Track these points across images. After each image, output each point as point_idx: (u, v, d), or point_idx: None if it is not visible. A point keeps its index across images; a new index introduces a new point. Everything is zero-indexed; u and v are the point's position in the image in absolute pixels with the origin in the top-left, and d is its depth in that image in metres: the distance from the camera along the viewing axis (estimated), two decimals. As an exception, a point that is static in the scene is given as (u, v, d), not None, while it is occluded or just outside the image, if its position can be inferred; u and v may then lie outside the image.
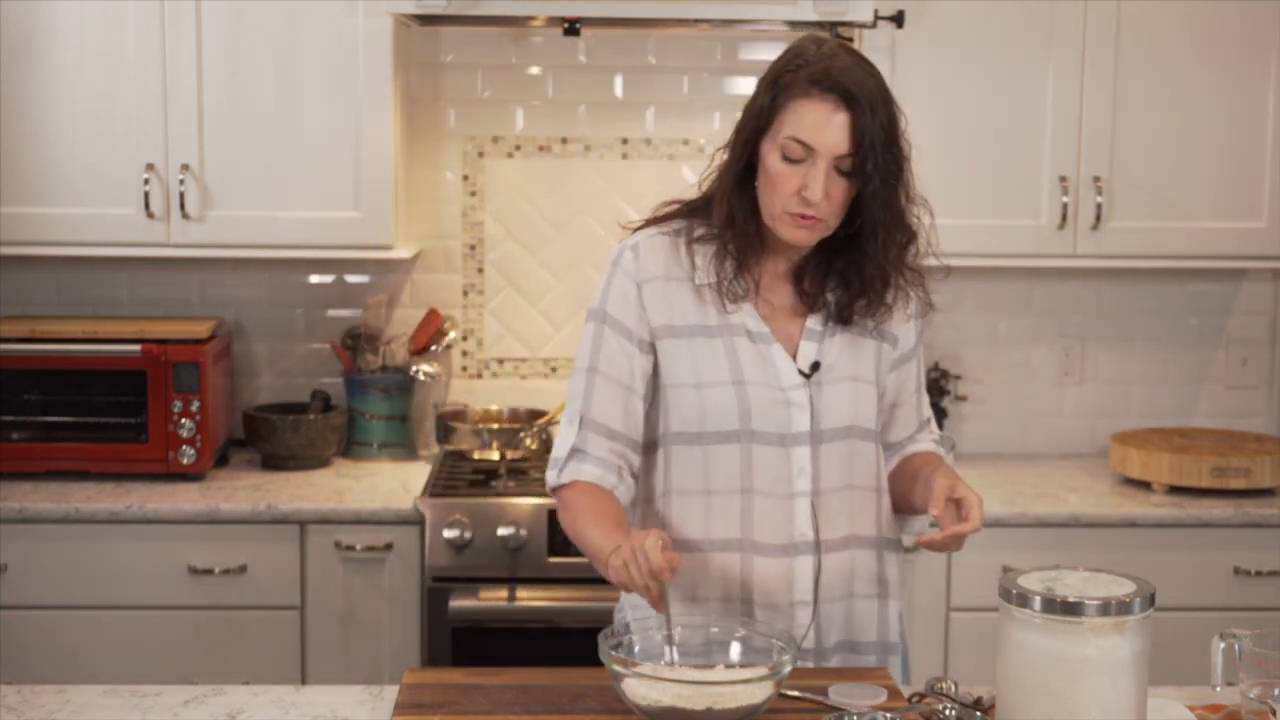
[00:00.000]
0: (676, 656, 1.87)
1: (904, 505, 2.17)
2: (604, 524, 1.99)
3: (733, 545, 2.05)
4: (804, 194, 1.96)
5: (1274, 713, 1.75)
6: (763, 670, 1.76)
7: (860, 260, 2.05)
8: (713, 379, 2.05)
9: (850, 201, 2.00)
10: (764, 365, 2.06)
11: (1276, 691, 1.77)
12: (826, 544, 2.06)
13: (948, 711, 1.82)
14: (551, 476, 2.09)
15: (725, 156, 2.08)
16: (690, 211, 2.13)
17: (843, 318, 2.08)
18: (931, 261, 2.13)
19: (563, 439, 2.09)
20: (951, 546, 1.95)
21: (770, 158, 1.99)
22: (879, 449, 2.14)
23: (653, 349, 2.08)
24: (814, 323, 2.09)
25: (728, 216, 2.05)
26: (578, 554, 3.08)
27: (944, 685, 1.89)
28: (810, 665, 2.07)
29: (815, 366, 2.07)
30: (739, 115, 2.06)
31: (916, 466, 2.15)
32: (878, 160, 1.96)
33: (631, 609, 2.14)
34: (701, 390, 2.05)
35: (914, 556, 3.19)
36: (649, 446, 2.12)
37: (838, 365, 2.08)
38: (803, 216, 1.98)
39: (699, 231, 2.09)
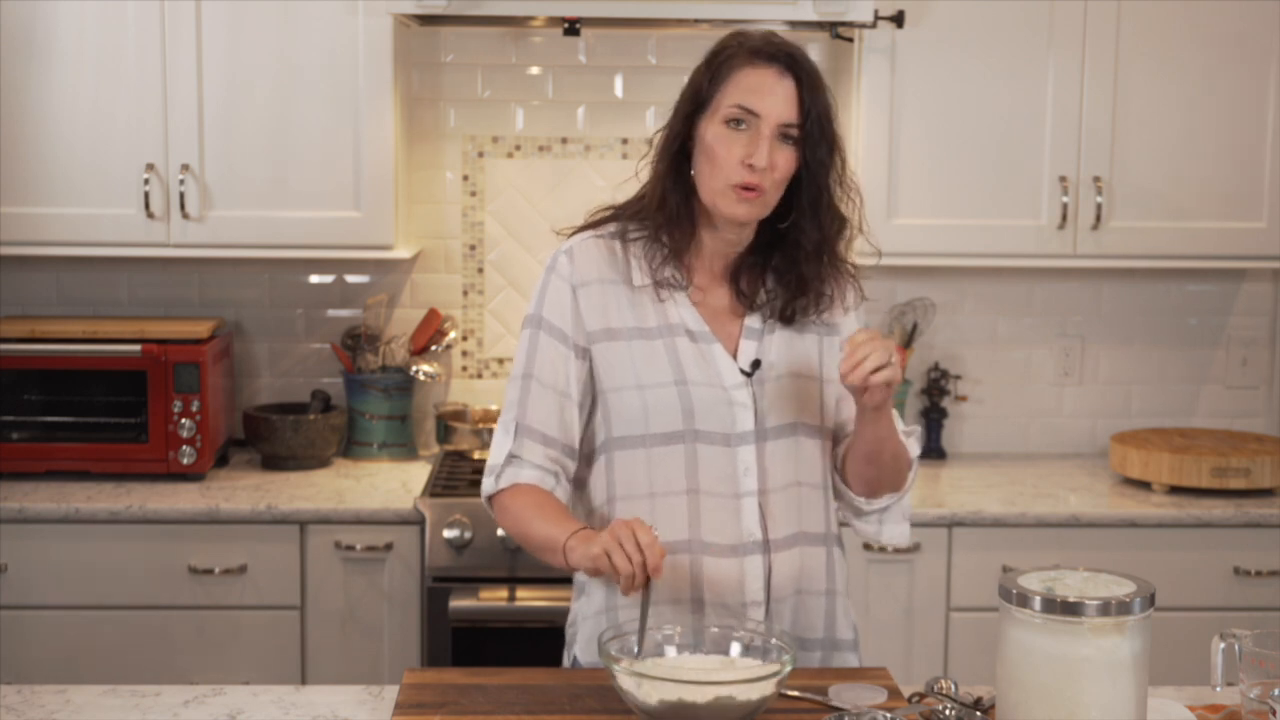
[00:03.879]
0: (667, 653, 1.87)
1: (868, 478, 2.10)
2: (551, 515, 2.00)
3: (681, 547, 2.03)
4: (749, 160, 1.97)
5: (1274, 713, 1.75)
6: (763, 670, 1.76)
7: (795, 255, 2.05)
8: (655, 380, 2.03)
9: (788, 179, 2.01)
10: (705, 364, 2.04)
11: (1276, 691, 1.77)
12: (775, 543, 2.04)
13: (948, 711, 1.82)
14: (488, 484, 2.08)
15: (657, 143, 2.08)
16: (624, 214, 2.12)
17: (784, 317, 2.08)
18: (866, 253, 2.14)
19: (498, 446, 2.08)
20: (860, 383, 1.90)
21: (711, 131, 1.99)
22: (825, 445, 2.11)
23: (588, 355, 2.07)
24: (753, 321, 2.08)
25: (661, 198, 2.04)
26: (578, 554, 3.10)
27: (944, 685, 1.89)
28: None
29: (756, 365, 2.06)
30: (669, 116, 2.07)
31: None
32: (820, 129, 1.99)
33: (581, 623, 2.12)
34: (644, 391, 2.03)
35: (913, 557, 3.19)
36: (589, 456, 2.10)
37: (779, 362, 2.07)
38: (746, 188, 1.98)
39: (632, 233, 2.09)
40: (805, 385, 2.08)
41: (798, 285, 2.07)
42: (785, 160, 1.99)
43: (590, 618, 2.11)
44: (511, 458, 2.06)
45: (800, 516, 2.07)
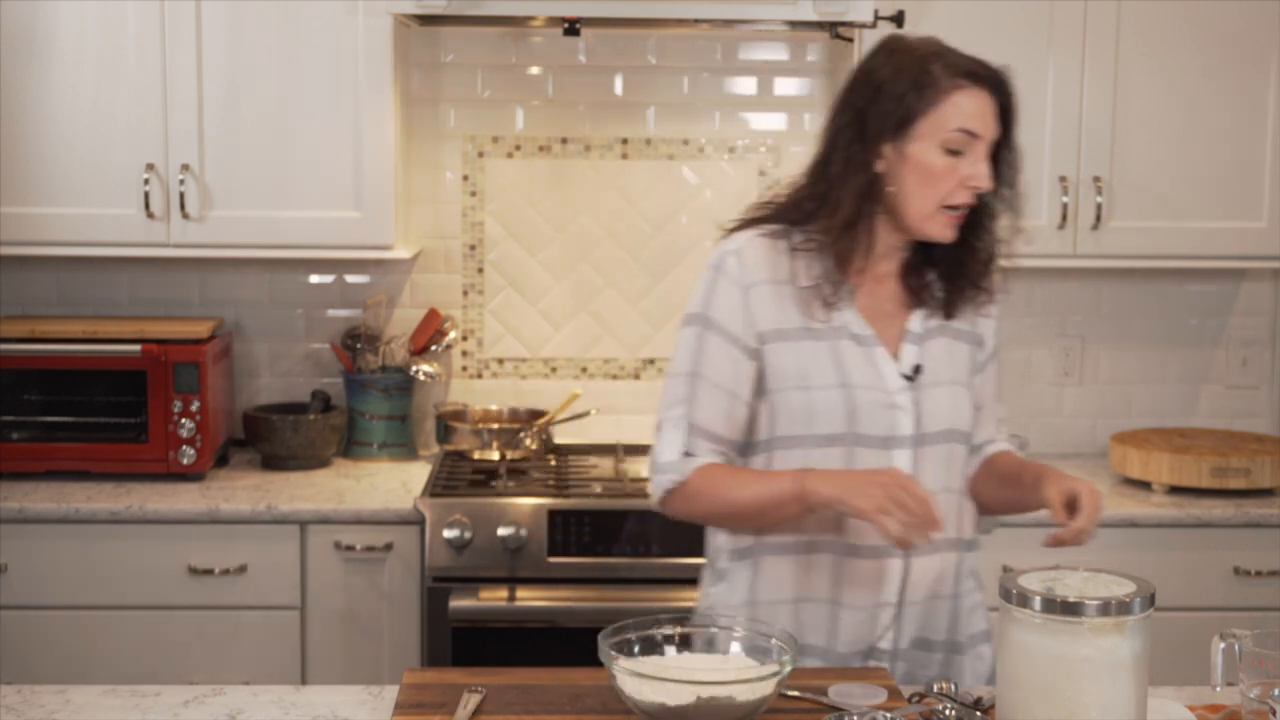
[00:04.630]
0: (668, 652, 1.88)
1: (996, 507, 2.18)
2: (756, 474, 2.03)
3: (826, 546, 2.06)
4: (973, 183, 2.00)
5: (1274, 713, 1.75)
6: (762, 670, 1.76)
7: (962, 254, 2.08)
8: (819, 381, 2.05)
9: None
10: (869, 368, 2.06)
11: (1277, 691, 1.77)
12: (917, 548, 2.04)
13: (948, 711, 1.82)
14: (665, 480, 2.07)
15: (836, 161, 2.05)
16: (789, 217, 2.10)
17: (949, 311, 2.11)
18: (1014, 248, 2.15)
19: (669, 443, 2.07)
20: (1080, 541, 1.97)
21: (928, 155, 2.00)
22: (968, 452, 2.16)
23: (760, 355, 2.07)
24: (915, 325, 2.10)
25: (849, 221, 2.03)
26: (578, 554, 3.10)
27: (944, 685, 1.89)
28: (885, 665, 2.09)
29: (917, 370, 2.08)
30: (842, 123, 2.05)
31: (1013, 471, 2.15)
32: (1009, 144, 2.04)
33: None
34: (808, 393, 2.04)
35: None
36: (747, 449, 2.11)
37: (938, 368, 2.10)
38: (954, 209, 2.01)
39: (799, 237, 2.08)
40: (960, 393, 2.12)
41: (958, 281, 2.10)
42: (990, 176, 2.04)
43: (733, 609, 2.12)
44: (686, 456, 2.06)
45: (944, 522, 2.09)
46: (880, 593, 2.07)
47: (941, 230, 2.04)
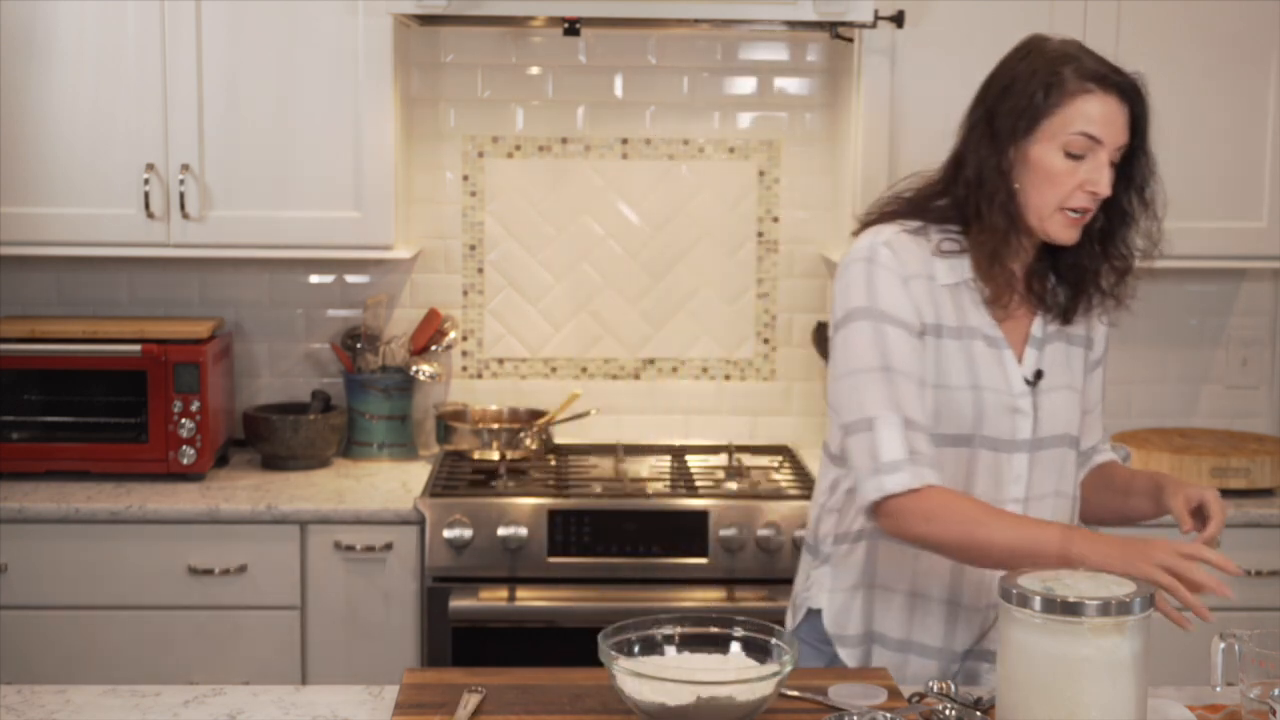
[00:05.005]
0: (668, 652, 1.88)
1: (1103, 515, 2.20)
2: (1008, 515, 1.95)
3: None
4: (1091, 188, 1.99)
5: (1274, 712, 1.75)
6: (762, 670, 1.76)
7: (1094, 259, 2.09)
8: (953, 382, 2.04)
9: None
10: (997, 370, 2.06)
11: (1277, 691, 1.77)
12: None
13: (948, 711, 1.82)
14: (896, 481, 1.95)
15: (970, 163, 2.05)
16: (918, 211, 2.10)
17: (1068, 317, 2.11)
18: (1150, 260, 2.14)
19: (888, 442, 1.96)
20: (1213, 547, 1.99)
21: (1048, 157, 2.00)
22: (1077, 456, 2.17)
23: (924, 344, 2.05)
24: (1037, 329, 2.11)
25: (1005, 229, 2.02)
26: (578, 554, 3.10)
27: (944, 685, 1.89)
28: (989, 666, 2.09)
29: (1039, 375, 2.09)
30: (974, 121, 2.06)
31: (1126, 480, 2.18)
32: (1142, 152, 2.03)
33: (830, 595, 2.15)
34: (940, 391, 2.04)
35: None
36: None
37: (1055, 373, 2.11)
38: (1077, 211, 2.01)
39: (938, 234, 2.07)
40: (1074, 398, 2.13)
41: (1079, 284, 2.10)
42: (1112, 182, 2.03)
43: (843, 592, 2.13)
44: (913, 454, 1.97)
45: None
46: (993, 594, 2.06)
47: (1061, 231, 2.03)
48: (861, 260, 2.05)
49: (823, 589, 2.18)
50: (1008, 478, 2.07)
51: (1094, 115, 1.99)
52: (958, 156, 2.09)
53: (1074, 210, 2.02)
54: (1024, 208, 2.03)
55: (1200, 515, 2.02)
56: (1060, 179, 2.00)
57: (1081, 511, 2.21)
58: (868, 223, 2.13)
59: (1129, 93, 2.01)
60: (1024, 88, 2.02)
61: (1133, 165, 2.05)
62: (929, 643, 2.11)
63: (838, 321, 2.06)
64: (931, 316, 2.05)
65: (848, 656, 2.16)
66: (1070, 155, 2.00)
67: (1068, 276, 2.12)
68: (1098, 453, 2.25)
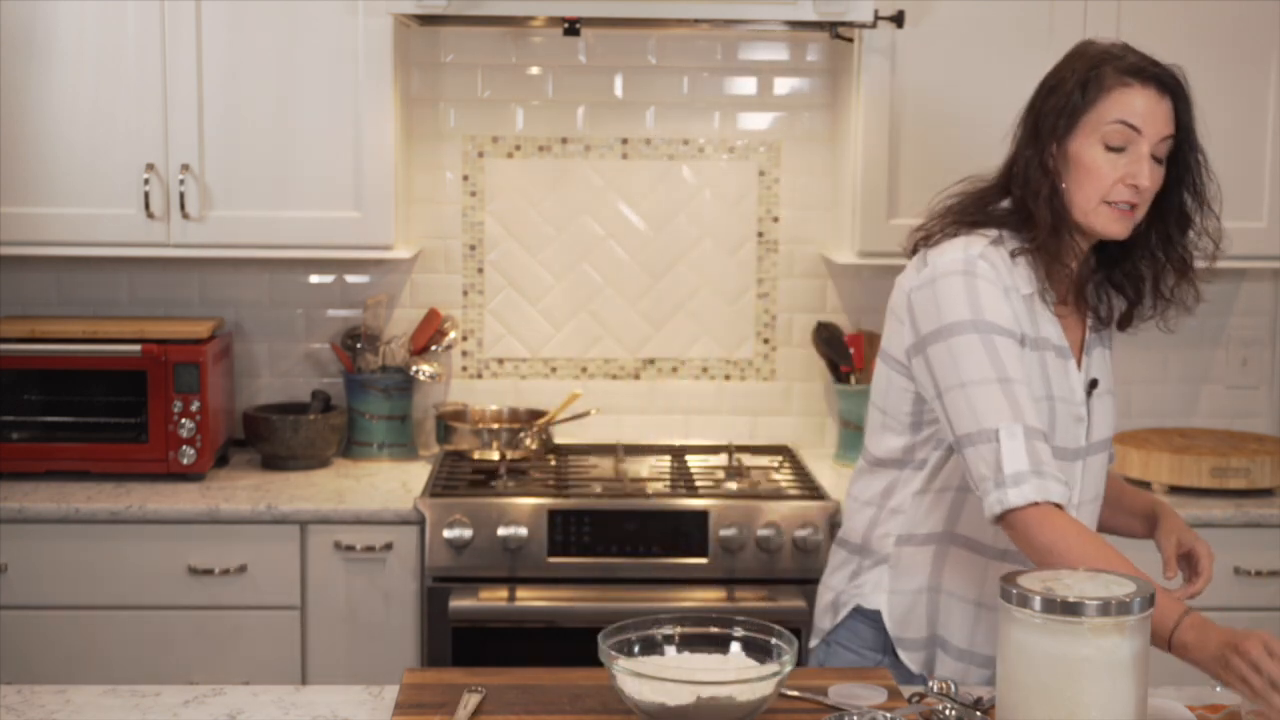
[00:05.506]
0: (668, 652, 1.88)
1: (1106, 528, 2.21)
2: (1127, 563, 1.84)
3: (1012, 556, 2.07)
4: (1131, 180, 1.99)
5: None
6: (762, 670, 1.76)
7: (1138, 262, 2.09)
8: (1037, 393, 2.03)
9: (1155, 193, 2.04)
10: (1065, 380, 2.08)
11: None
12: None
13: (948, 711, 1.81)
14: (1019, 494, 1.88)
15: (1019, 165, 2.06)
16: (979, 216, 2.09)
17: (1123, 325, 2.14)
18: (1203, 262, 2.14)
19: (1011, 453, 1.90)
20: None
21: (1088, 151, 2.00)
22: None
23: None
24: (1089, 336, 2.13)
25: (1054, 225, 2.03)
26: (578, 554, 3.10)
27: (944, 685, 1.89)
28: None
29: (1094, 383, 2.11)
30: (1024, 125, 2.08)
31: (1117, 494, 2.21)
32: (1189, 146, 2.02)
33: (890, 596, 2.16)
34: None
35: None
36: (948, 442, 2.06)
37: (1104, 379, 2.13)
38: (1122, 205, 2.01)
39: (1013, 243, 2.06)
40: (1114, 402, 2.16)
41: (1136, 292, 2.11)
42: (1157, 177, 2.02)
43: (907, 594, 2.13)
44: (1037, 465, 1.90)
45: (1090, 528, 2.12)
46: None
47: (1107, 225, 2.02)
48: (958, 274, 2.01)
49: (880, 589, 2.17)
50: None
51: (1131, 106, 1.99)
52: (1010, 161, 2.10)
53: (1118, 204, 2.01)
54: (1070, 205, 2.03)
55: (1189, 563, 2.02)
56: (1101, 172, 2.00)
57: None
58: (928, 235, 2.10)
59: (1168, 84, 2.01)
60: (1065, 87, 2.03)
61: (1182, 162, 2.04)
62: (989, 654, 2.10)
63: (932, 334, 2.01)
64: (1028, 329, 2.04)
65: (910, 660, 2.15)
66: (1110, 149, 2.00)
67: (1126, 285, 2.12)
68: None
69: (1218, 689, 1.83)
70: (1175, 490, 3.34)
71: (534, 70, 3.65)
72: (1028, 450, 1.90)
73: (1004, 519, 1.91)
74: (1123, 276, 2.12)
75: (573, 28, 3.22)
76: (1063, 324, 2.10)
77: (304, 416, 3.47)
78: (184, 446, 3.28)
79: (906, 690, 1.98)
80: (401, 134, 3.43)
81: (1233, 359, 3.79)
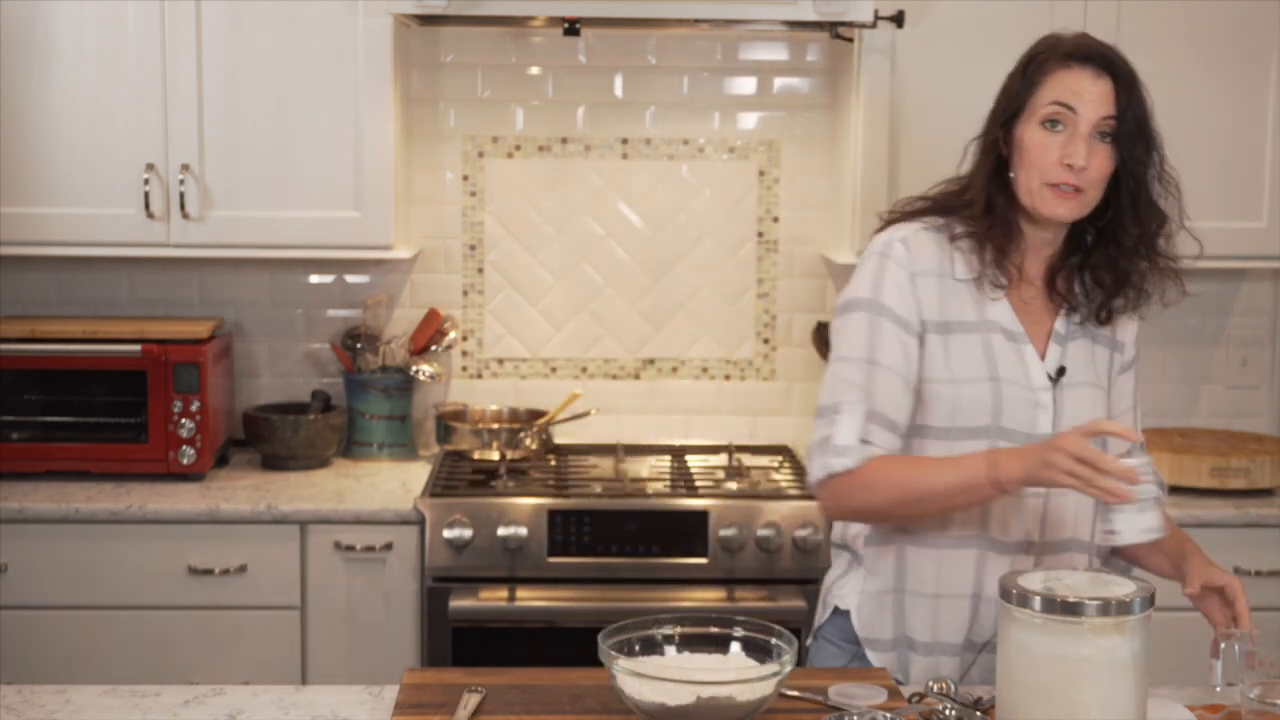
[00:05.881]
0: (668, 652, 1.88)
1: (1135, 562, 2.17)
2: (938, 461, 2.01)
3: (970, 541, 2.08)
4: (1067, 160, 2.00)
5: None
6: (762, 670, 1.76)
7: (1114, 253, 2.09)
8: (969, 375, 2.06)
9: (1107, 178, 2.04)
10: (1017, 364, 2.08)
11: (1253, 695, 1.77)
12: (1047, 544, 2.08)
13: (948, 711, 1.81)
14: (840, 462, 2.01)
15: (975, 149, 2.11)
16: (943, 209, 2.13)
17: (1101, 317, 2.12)
18: (1185, 253, 2.16)
19: (845, 427, 2.02)
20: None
21: (1028, 133, 2.03)
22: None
23: (924, 343, 2.07)
24: (1060, 326, 2.12)
25: (986, 204, 2.06)
26: (578, 554, 3.10)
27: (944, 685, 1.89)
28: None
29: (1061, 371, 2.09)
30: (987, 118, 2.10)
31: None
32: (1137, 127, 2.03)
33: (860, 597, 2.17)
34: (957, 385, 2.06)
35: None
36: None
37: (1079, 370, 2.11)
38: (1063, 187, 2.01)
39: (958, 229, 2.10)
40: (1098, 397, 2.12)
41: (1115, 283, 2.11)
42: (1102, 159, 2.02)
43: (873, 595, 2.15)
44: (864, 443, 2.02)
45: (1075, 524, 2.11)
46: None
47: (1051, 207, 2.03)
48: (876, 254, 2.09)
49: (854, 590, 2.19)
50: None
51: (1067, 86, 2.01)
52: (974, 159, 2.13)
53: (1060, 185, 2.02)
54: (1016, 188, 2.06)
55: (1223, 599, 2.00)
56: (1040, 153, 2.02)
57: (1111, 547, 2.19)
58: (891, 220, 2.16)
59: (1107, 64, 2.02)
60: (1010, 81, 2.08)
61: (1140, 150, 2.05)
62: (953, 640, 2.11)
63: (839, 308, 2.11)
64: (939, 313, 2.07)
65: (879, 660, 2.16)
66: (1049, 128, 2.02)
67: (1105, 277, 2.12)
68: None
69: (1218, 689, 1.83)
70: (1175, 490, 3.34)
71: (534, 70, 3.65)
72: (863, 429, 2.01)
73: (825, 485, 2.04)
74: (1103, 268, 2.12)
75: (573, 28, 3.22)
76: (1028, 310, 2.11)
77: (304, 416, 3.47)
78: (184, 446, 3.28)
79: (906, 690, 1.98)
80: (401, 134, 3.43)
81: (1233, 359, 3.79)
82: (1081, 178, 2.01)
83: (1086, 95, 2.00)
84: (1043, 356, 2.10)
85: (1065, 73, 2.02)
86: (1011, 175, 2.07)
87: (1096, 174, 2.02)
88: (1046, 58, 2.04)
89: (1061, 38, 2.07)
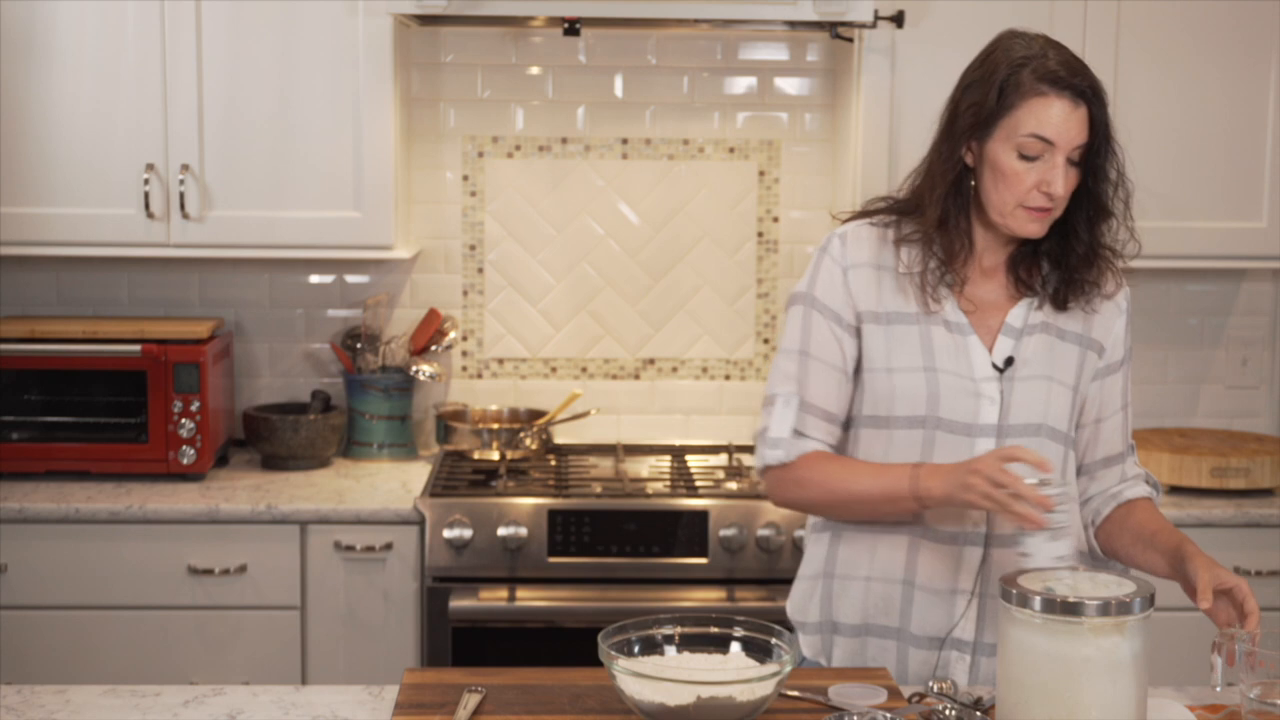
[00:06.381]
0: (668, 652, 1.88)
1: (1132, 563, 2.15)
2: (868, 466, 2.07)
3: (904, 529, 2.10)
4: (1047, 189, 2.02)
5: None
6: (763, 670, 1.76)
7: (1067, 245, 2.11)
8: (904, 364, 2.09)
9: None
10: (957, 354, 2.09)
11: (1253, 694, 1.77)
12: (998, 538, 2.08)
13: (948, 711, 1.82)
14: (774, 455, 2.11)
15: (932, 157, 2.11)
16: (898, 209, 2.16)
17: (1057, 300, 2.12)
18: (1130, 247, 2.17)
19: (780, 418, 2.12)
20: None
21: (1003, 157, 2.03)
22: (1069, 454, 2.15)
23: (858, 333, 2.12)
24: (1014, 319, 2.12)
25: (940, 219, 2.08)
26: (578, 554, 3.10)
27: (944, 685, 1.89)
28: (967, 658, 2.10)
29: (1009, 362, 2.10)
30: (944, 116, 2.11)
31: (1150, 530, 2.11)
32: (1106, 147, 2.06)
33: (797, 582, 2.21)
34: (893, 374, 2.09)
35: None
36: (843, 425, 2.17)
37: (1034, 362, 2.11)
38: (1040, 210, 2.04)
39: (907, 229, 2.12)
40: (1058, 390, 2.12)
41: (1068, 272, 2.12)
42: (1073, 179, 2.05)
43: (806, 580, 2.19)
44: (797, 434, 2.11)
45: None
46: (956, 579, 2.08)
47: (1023, 226, 2.06)
48: (819, 249, 2.17)
49: (796, 579, 2.24)
50: None
51: (1046, 118, 2.01)
52: (930, 150, 2.14)
53: (1034, 208, 2.04)
54: (986, 204, 2.07)
55: (1231, 601, 1.93)
56: (1017, 179, 2.03)
57: (1104, 547, 2.19)
58: (846, 220, 2.21)
59: (1085, 94, 2.03)
60: (982, 86, 2.06)
61: (1100, 159, 2.07)
62: (886, 624, 2.12)
63: (786, 303, 2.21)
64: (873, 304, 2.11)
65: (806, 645, 2.19)
66: (1025, 157, 2.03)
67: (1051, 262, 2.14)
68: (1129, 485, 2.20)
69: (1218, 689, 1.83)
70: (1175, 490, 3.34)
71: (534, 70, 3.65)
72: (795, 419, 2.10)
73: (764, 477, 2.15)
74: (1054, 255, 2.13)
75: (573, 28, 3.22)
76: (980, 303, 2.12)
77: (304, 416, 3.47)
78: (184, 446, 3.28)
79: (906, 690, 1.98)
80: (401, 134, 3.43)
81: (1233, 359, 3.79)
82: (1054, 201, 2.04)
83: (1063, 128, 2.01)
84: (991, 348, 2.10)
85: (1042, 101, 2.01)
86: (974, 185, 2.08)
87: (1068, 193, 2.05)
88: (1021, 77, 2.02)
89: (1032, 51, 2.05)
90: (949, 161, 2.08)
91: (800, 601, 2.21)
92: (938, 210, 2.08)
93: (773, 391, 2.15)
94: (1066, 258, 2.11)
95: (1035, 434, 2.10)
